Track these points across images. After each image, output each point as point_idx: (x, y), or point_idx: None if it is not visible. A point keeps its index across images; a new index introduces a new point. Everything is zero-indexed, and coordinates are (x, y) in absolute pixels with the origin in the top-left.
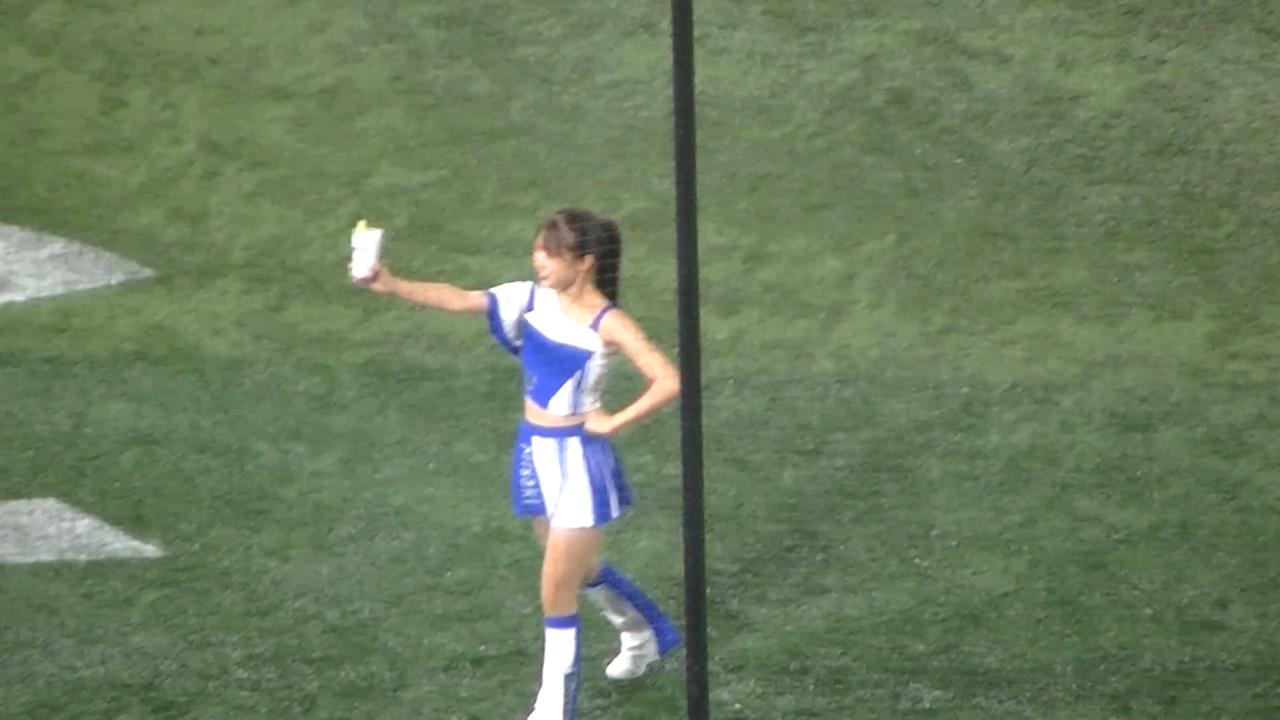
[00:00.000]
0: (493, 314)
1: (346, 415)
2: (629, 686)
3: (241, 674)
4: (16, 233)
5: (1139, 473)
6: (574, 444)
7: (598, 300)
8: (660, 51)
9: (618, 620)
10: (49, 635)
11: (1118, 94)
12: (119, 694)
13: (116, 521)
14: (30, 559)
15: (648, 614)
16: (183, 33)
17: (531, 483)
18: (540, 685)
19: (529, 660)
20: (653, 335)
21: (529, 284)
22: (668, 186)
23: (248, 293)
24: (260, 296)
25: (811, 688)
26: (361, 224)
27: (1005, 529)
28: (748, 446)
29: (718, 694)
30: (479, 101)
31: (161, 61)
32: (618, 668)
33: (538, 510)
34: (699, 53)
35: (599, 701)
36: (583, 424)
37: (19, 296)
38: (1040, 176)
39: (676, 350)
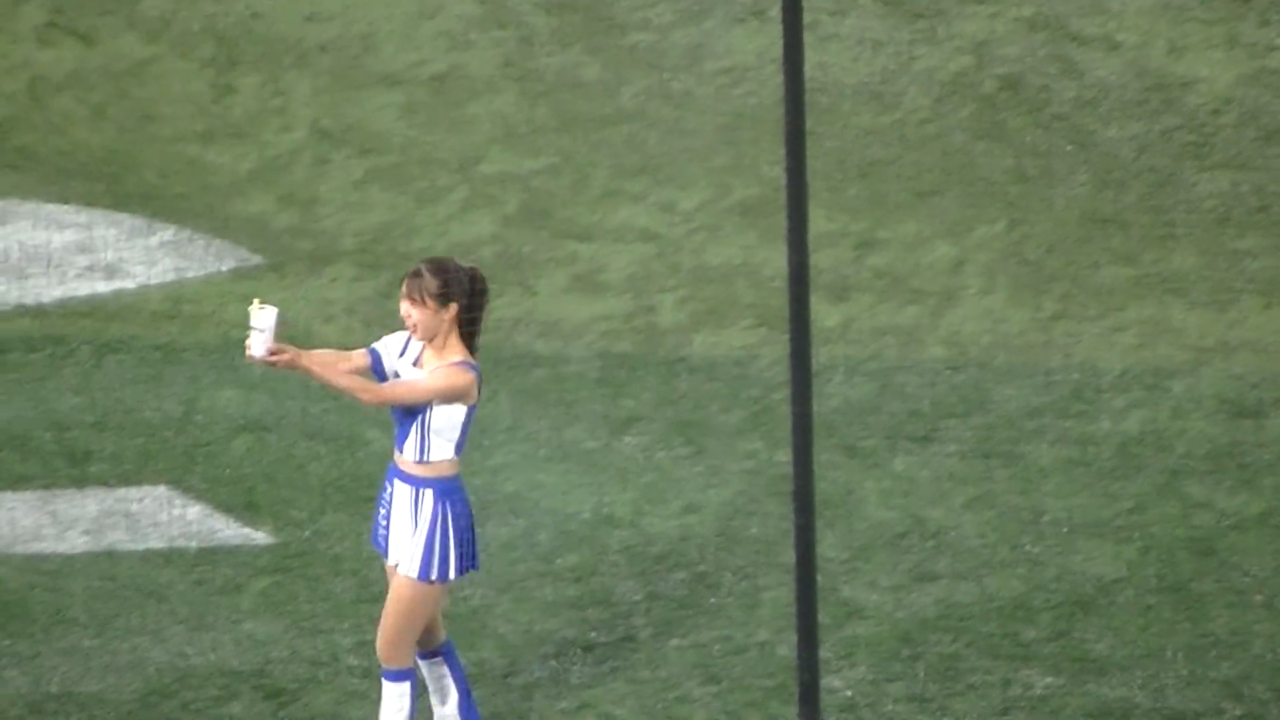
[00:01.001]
0: (375, 368)
1: None
2: (739, 675)
3: (353, 661)
4: (127, 220)
5: (1250, 459)
6: (428, 495)
7: (457, 353)
8: (770, 38)
9: (439, 708)
10: (160, 622)
11: (1228, 80)
12: (230, 681)
13: (227, 508)
14: (141, 546)
15: (470, 712)
16: (293, 19)
17: (384, 523)
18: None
19: (640, 646)
20: (763, 322)
21: (406, 334)
22: (778, 173)
23: (358, 279)
24: (371, 283)
25: (923, 674)
26: (256, 303)
27: (1116, 515)
28: (858, 433)
29: (829, 681)
30: (589, 88)
31: (272, 48)
32: None
33: (381, 550)
34: (809, 39)
35: (710, 689)
36: (441, 475)
37: (130, 284)
38: (1150, 163)
39: (788, 337)
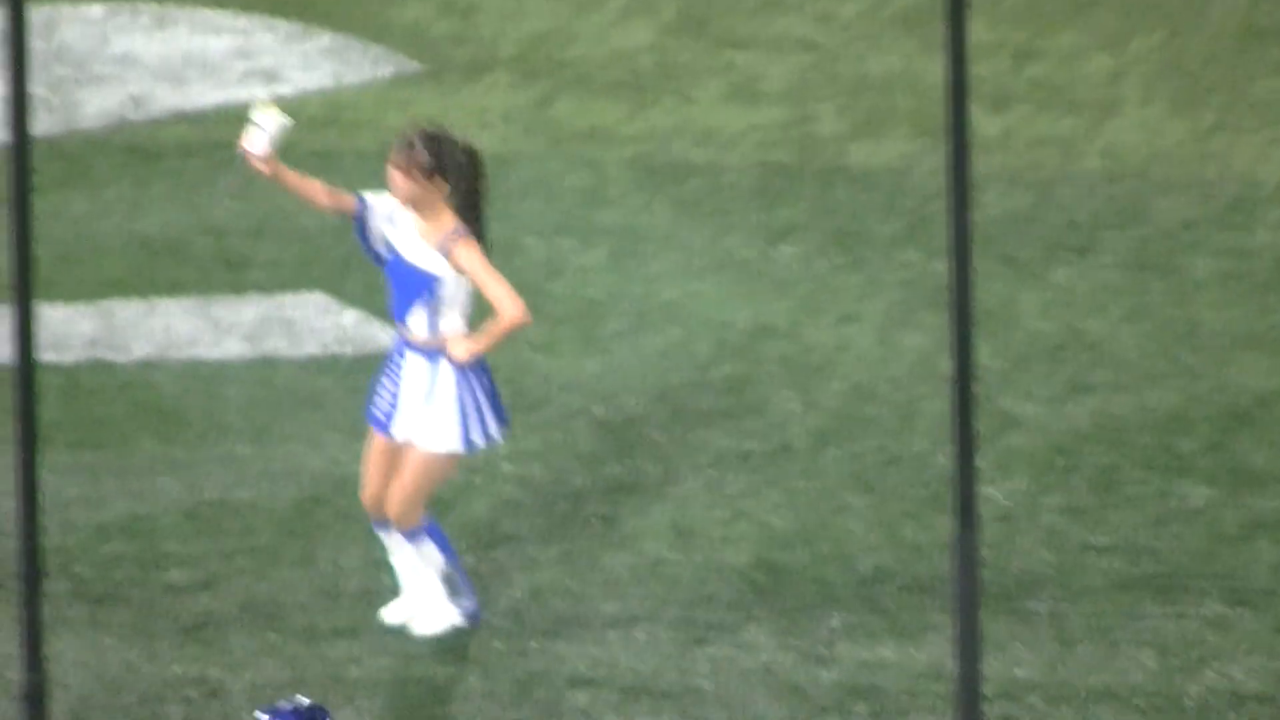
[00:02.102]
0: (360, 217)
1: (614, 210)
2: (895, 484)
3: (508, 468)
4: (284, 26)
5: None
6: (446, 365)
7: (449, 223)
8: None
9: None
10: (316, 429)
11: None
12: None
13: (384, 315)
14: (298, 352)
15: (463, 577)
16: None
17: (388, 395)
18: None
19: (796, 456)
20: (921, 131)
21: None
22: None
23: (516, 87)
24: (529, 91)
25: (1079, 485)
26: (261, 103)
27: (1273, 327)
28: (1016, 243)
29: (985, 491)
30: None
31: None
32: (394, 614)
33: (381, 427)
34: None
35: (866, 498)
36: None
37: (287, 89)
38: None
39: (947, 148)
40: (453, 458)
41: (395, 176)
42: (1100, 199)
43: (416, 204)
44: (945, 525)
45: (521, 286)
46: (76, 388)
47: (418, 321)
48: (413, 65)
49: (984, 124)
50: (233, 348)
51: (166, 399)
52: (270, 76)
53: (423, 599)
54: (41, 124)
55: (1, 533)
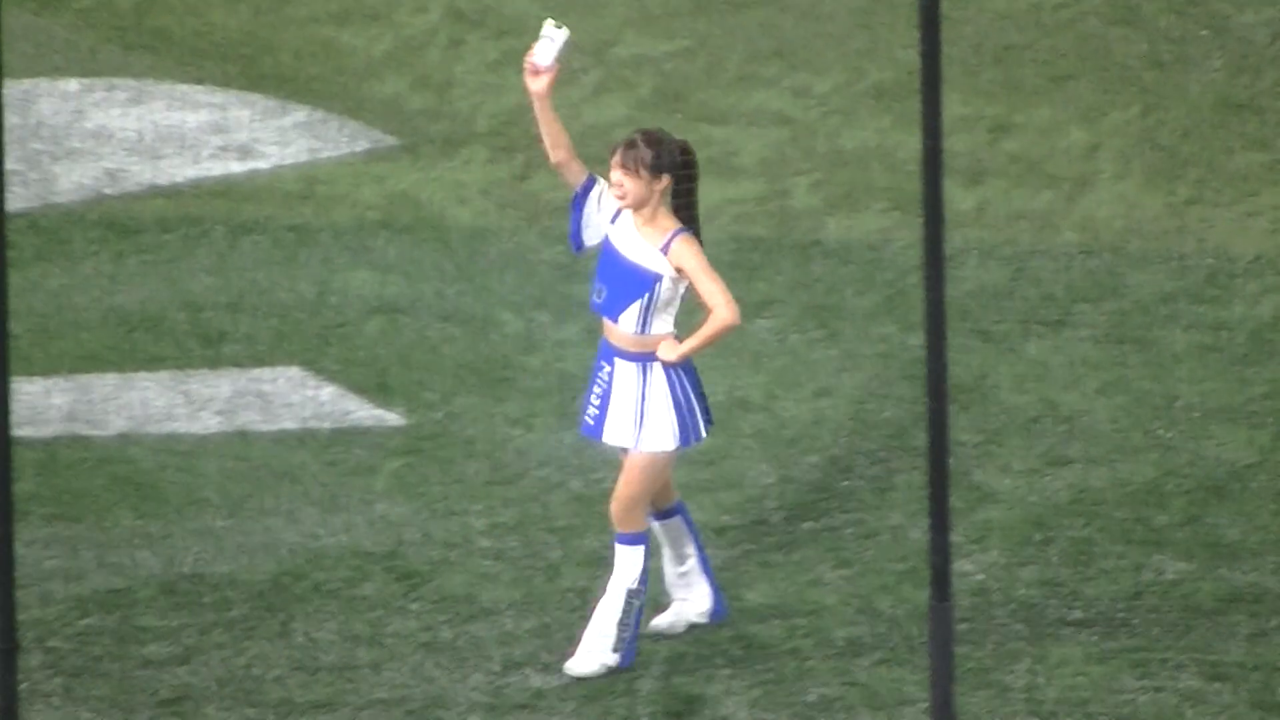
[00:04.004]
0: (583, 195)
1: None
2: (871, 558)
3: (485, 543)
4: (261, 101)
5: None
6: (657, 368)
7: (670, 223)
8: None
9: (674, 569)
10: (292, 503)
11: None
12: (362, 562)
13: (360, 390)
14: (274, 427)
15: (706, 567)
16: None
17: (597, 404)
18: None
19: (772, 530)
20: (897, 205)
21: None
22: (912, 56)
23: (492, 162)
24: (505, 166)
25: (1055, 559)
26: (551, 22)
27: (1249, 400)
28: (992, 317)
29: (961, 565)
30: None
31: None
32: (663, 620)
33: (593, 434)
34: None
35: (842, 572)
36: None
37: (263, 165)
38: None
39: (922, 221)
40: (670, 456)
41: (620, 178)
42: (1076, 272)
43: (639, 204)
44: (921, 598)
45: (495, 361)
46: (54, 461)
47: (629, 320)
48: (389, 140)
49: (960, 198)
50: (209, 422)
51: (143, 473)
52: (246, 151)
53: (591, 633)
54: (18, 198)
55: None
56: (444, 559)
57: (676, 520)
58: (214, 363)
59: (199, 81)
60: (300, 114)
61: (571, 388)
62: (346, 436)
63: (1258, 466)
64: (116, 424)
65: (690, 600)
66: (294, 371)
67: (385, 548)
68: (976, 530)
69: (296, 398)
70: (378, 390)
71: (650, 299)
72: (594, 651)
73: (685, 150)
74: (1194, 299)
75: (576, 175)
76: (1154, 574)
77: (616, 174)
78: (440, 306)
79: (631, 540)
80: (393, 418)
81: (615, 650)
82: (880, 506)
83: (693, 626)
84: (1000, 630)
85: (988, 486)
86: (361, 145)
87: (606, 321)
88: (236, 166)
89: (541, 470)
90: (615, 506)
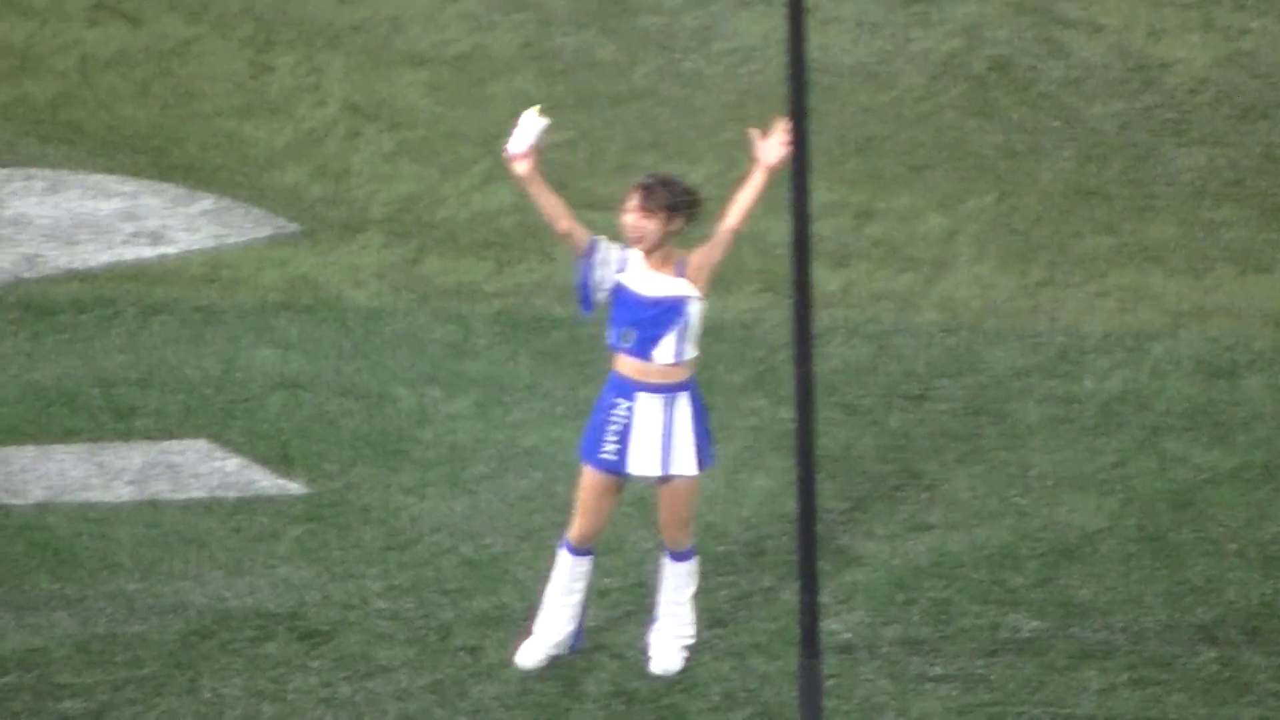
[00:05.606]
0: (587, 258)
1: (480, 361)
2: (744, 618)
3: (381, 604)
4: (170, 189)
5: (1225, 417)
6: (683, 399)
7: (676, 253)
8: (774, 21)
9: (563, 599)
10: (200, 567)
11: (1204, 61)
12: (265, 622)
13: (264, 461)
14: (182, 496)
15: (584, 608)
16: (326, 1)
17: (616, 439)
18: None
19: (650, 592)
20: (768, 287)
21: (619, 245)
22: None
23: (387, 246)
24: (399, 250)
25: (917, 618)
26: (535, 109)
27: (1099, 469)
28: (857, 392)
29: (828, 624)
30: (604, 68)
31: (306, 28)
32: (530, 657)
33: (611, 467)
34: (810, 22)
35: (716, 631)
36: (689, 374)
37: (172, 249)
38: (1132, 139)
39: (791, 301)
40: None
41: (635, 220)
42: (936, 349)
43: (652, 244)
44: (791, 655)
45: (390, 433)
46: None
47: (664, 352)
48: (290, 226)
49: (826, 279)
50: (122, 491)
51: (60, 539)
52: (156, 237)
53: (669, 632)
54: None
55: None
56: (343, 619)
57: (588, 562)
58: (126, 435)
59: (112, 171)
60: (207, 202)
61: (462, 459)
62: (251, 505)
63: (1107, 531)
64: (35, 493)
65: (558, 633)
66: (201, 444)
67: (287, 609)
68: (843, 591)
69: (204, 468)
70: (280, 461)
71: (685, 325)
72: (680, 646)
73: (690, 192)
74: (1047, 374)
75: (581, 240)
76: (1010, 632)
77: (633, 217)
78: (338, 382)
79: (690, 555)
80: (294, 487)
81: (693, 637)
82: (752, 570)
83: (575, 683)
84: (866, 685)
85: (853, 550)
86: (265, 231)
87: (628, 360)
88: (148, 251)
89: (434, 536)
90: (676, 533)
